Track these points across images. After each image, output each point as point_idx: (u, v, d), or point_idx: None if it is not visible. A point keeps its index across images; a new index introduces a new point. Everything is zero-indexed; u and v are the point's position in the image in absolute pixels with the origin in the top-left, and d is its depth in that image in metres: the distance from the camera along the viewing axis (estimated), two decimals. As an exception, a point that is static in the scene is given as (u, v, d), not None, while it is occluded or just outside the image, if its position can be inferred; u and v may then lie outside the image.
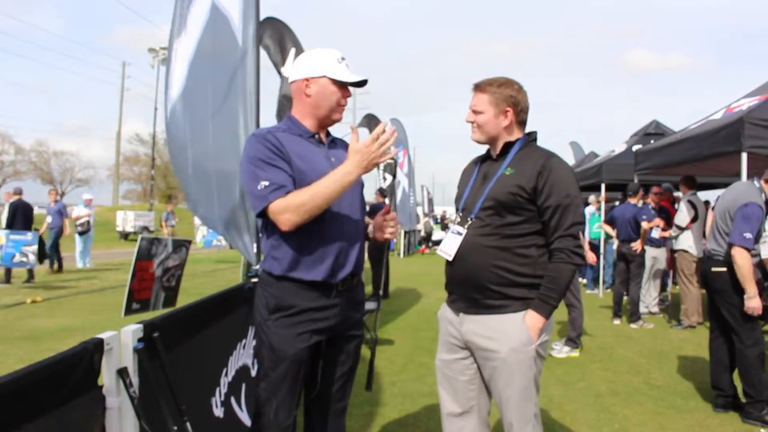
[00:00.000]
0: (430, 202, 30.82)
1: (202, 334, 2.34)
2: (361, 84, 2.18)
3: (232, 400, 2.61)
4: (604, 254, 10.17)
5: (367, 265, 5.73)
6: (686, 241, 7.25)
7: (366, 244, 2.37)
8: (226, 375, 2.56)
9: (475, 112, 2.24)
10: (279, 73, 4.69)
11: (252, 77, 3.50)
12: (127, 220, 28.24)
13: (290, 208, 1.96)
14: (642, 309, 7.75)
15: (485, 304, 2.17)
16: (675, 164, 7.08)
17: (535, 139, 2.29)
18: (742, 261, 3.71)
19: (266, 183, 1.98)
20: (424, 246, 24.22)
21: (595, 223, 10.56)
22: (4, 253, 9.31)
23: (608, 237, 9.44)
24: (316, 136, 2.19)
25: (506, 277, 2.13)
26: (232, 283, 4.18)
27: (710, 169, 7.76)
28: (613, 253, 9.93)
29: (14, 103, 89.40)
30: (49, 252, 12.14)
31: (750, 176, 5.35)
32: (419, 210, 24.65)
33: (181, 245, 3.76)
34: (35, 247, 9.64)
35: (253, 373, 2.86)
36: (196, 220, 16.30)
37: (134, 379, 1.69)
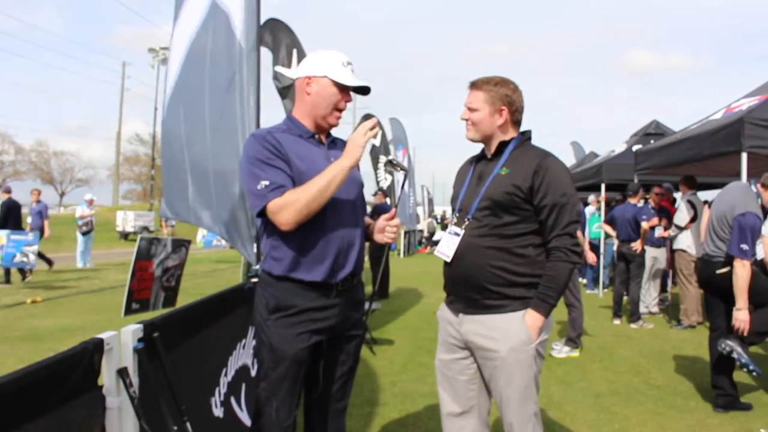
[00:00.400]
0: (430, 202, 30.85)
1: (202, 334, 2.34)
2: (364, 91, 2.19)
3: (232, 400, 2.61)
4: (603, 254, 10.18)
5: (366, 265, 5.73)
6: (685, 241, 7.25)
7: (367, 245, 2.37)
8: (226, 375, 2.56)
9: (470, 109, 2.25)
10: (275, 75, 4.69)
11: (252, 77, 3.50)
12: (127, 220, 28.25)
13: (288, 206, 1.96)
14: (642, 309, 7.75)
15: (484, 305, 2.17)
16: (675, 164, 7.08)
17: (529, 138, 2.29)
18: (742, 272, 3.74)
19: (266, 182, 1.99)
20: (425, 246, 24.21)
21: (595, 223, 10.56)
22: (4, 253, 9.32)
23: (607, 236, 9.44)
24: (316, 136, 2.20)
25: (505, 277, 2.13)
26: (232, 283, 4.18)
27: (710, 169, 7.76)
28: (611, 254, 9.95)
29: (14, 103, 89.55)
30: None
31: (750, 176, 5.37)
32: (420, 210, 24.66)
33: (181, 245, 3.77)
34: (36, 247, 9.66)
35: (253, 373, 2.86)
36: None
37: (134, 379, 1.69)
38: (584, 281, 11.01)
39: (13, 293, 9.52)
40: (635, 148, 8.88)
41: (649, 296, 8.11)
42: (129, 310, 3.30)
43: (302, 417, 2.29)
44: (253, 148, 2.06)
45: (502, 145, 2.25)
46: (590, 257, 7.11)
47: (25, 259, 9.51)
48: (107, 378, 1.62)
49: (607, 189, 10.21)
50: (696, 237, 7.14)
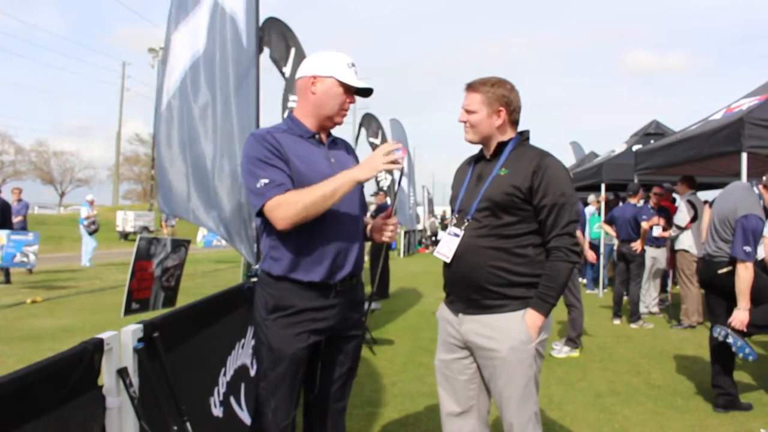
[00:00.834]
0: (430, 202, 30.84)
1: (202, 334, 2.34)
2: (367, 93, 2.20)
3: (232, 399, 2.61)
4: (604, 254, 10.17)
5: (366, 264, 5.73)
6: (686, 241, 7.25)
7: (367, 244, 2.37)
8: (225, 374, 2.56)
9: (467, 111, 2.25)
10: (281, 73, 4.69)
11: (252, 77, 3.50)
12: (127, 220, 28.25)
13: (287, 205, 1.96)
14: (642, 309, 7.75)
15: (484, 305, 2.17)
16: (675, 164, 7.08)
17: (527, 138, 2.30)
18: (744, 274, 3.76)
19: (265, 180, 1.99)
20: (427, 246, 24.20)
21: (595, 223, 10.56)
22: (4, 254, 9.31)
23: (607, 236, 9.44)
24: (317, 136, 2.20)
25: (504, 277, 2.13)
26: (232, 283, 4.18)
27: (710, 169, 7.76)
28: (610, 254, 9.95)
29: (14, 103, 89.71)
30: None
31: (750, 176, 5.37)
32: (420, 210, 24.65)
33: (180, 245, 3.76)
34: (36, 247, 9.65)
35: (252, 372, 2.86)
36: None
37: (134, 379, 1.70)
38: (584, 281, 11.01)
39: (13, 293, 9.53)
40: (635, 148, 8.88)
41: (649, 296, 8.11)
42: (129, 310, 3.29)
43: (302, 417, 2.30)
44: (253, 147, 2.06)
45: (501, 145, 2.25)
46: (590, 255, 7.12)
47: (25, 259, 9.51)
48: (107, 378, 1.62)
49: (607, 189, 10.20)
50: (697, 237, 7.15)
